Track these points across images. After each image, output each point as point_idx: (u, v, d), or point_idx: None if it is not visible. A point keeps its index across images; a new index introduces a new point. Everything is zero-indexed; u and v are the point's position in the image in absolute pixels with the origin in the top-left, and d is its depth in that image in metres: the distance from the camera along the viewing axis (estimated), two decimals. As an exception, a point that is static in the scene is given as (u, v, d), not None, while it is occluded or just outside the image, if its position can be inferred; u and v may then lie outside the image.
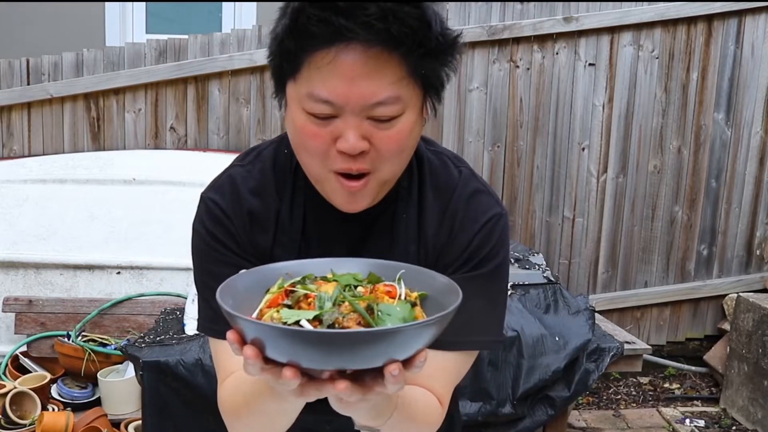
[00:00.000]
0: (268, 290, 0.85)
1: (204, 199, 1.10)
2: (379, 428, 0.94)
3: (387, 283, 0.84)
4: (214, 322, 1.05)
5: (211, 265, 1.06)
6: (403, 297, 0.81)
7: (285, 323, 0.76)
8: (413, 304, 0.81)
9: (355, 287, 0.83)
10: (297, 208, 1.08)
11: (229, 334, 0.77)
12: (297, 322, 0.76)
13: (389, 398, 0.89)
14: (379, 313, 0.77)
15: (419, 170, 1.10)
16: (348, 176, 0.96)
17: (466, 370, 1.10)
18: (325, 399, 0.97)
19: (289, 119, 0.98)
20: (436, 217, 1.08)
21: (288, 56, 0.93)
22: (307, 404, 1.13)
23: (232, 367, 1.03)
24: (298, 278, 0.85)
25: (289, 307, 0.80)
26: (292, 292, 0.82)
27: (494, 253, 1.06)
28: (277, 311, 0.79)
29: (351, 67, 0.88)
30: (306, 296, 0.81)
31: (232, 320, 0.77)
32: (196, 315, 1.26)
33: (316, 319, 0.77)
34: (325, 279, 0.86)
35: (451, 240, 1.06)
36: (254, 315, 0.80)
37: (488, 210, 1.07)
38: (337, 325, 0.76)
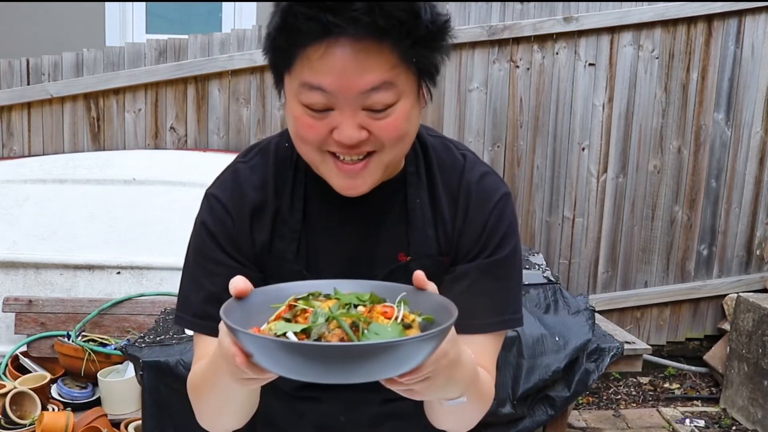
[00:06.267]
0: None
1: (207, 195, 1.12)
2: (463, 398, 0.95)
3: (387, 304, 0.85)
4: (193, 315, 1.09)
5: (203, 261, 1.09)
6: (399, 319, 0.81)
7: (275, 335, 0.77)
8: (407, 326, 0.81)
9: (356, 306, 0.84)
10: (297, 200, 1.09)
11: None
12: (284, 334, 0.78)
13: (452, 377, 0.89)
14: (366, 331, 0.78)
15: (424, 155, 1.12)
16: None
17: (500, 346, 1.15)
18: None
19: (288, 111, 1.00)
20: (448, 199, 1.11)
21: (281, 52, 0.96)
22: (323, 393, 1.14)
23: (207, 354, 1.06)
24: (304, 294, 0.86)
25: (287, 320, 0.81)
26: (295, 307, 0.84)
27: (510, 232, 1.10)
28: (275, 324, 0.81)
29: (341, 60, 0.90)
30: (305, 311, 0.82)
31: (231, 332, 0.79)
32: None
33: (304, 333, 0.78)
34: (329, 297, 0.87)
35: (467, 221, 1.09)
36: (263, 327, 0.83)
37: (498, 189, 1.11)
38: (322, 340, 0.77)
